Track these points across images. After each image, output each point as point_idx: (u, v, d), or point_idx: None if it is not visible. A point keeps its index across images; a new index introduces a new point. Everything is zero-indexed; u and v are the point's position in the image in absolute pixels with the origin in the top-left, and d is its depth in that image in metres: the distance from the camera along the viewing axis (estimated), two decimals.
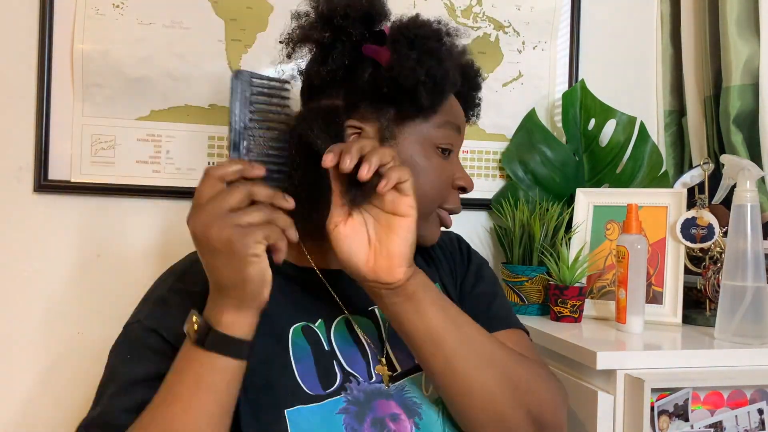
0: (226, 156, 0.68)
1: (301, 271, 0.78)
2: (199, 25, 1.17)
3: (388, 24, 0.78)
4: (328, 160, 0.64)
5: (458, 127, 0.81)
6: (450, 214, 0.82)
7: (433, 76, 0.72)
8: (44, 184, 1.14)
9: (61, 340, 1.16)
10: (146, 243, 1.19)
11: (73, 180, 1.15)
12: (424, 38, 0.73)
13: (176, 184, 1.18)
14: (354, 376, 0.73)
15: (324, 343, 0.75)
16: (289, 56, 0.80)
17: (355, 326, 0.78)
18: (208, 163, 1.19)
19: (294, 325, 0.74)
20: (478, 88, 0.89)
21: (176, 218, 1.20)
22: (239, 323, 0.62)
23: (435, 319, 0.68)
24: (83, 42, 1.14)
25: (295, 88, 0.78)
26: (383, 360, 0.76)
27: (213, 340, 0.61)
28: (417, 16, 0.76)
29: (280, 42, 0.80)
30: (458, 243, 0.93)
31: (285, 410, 0.68)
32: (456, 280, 0.89)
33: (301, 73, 0.82)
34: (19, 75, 1.14)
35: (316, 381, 0.71)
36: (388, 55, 0.73)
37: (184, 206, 1.20)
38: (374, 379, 0.74)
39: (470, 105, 0.89)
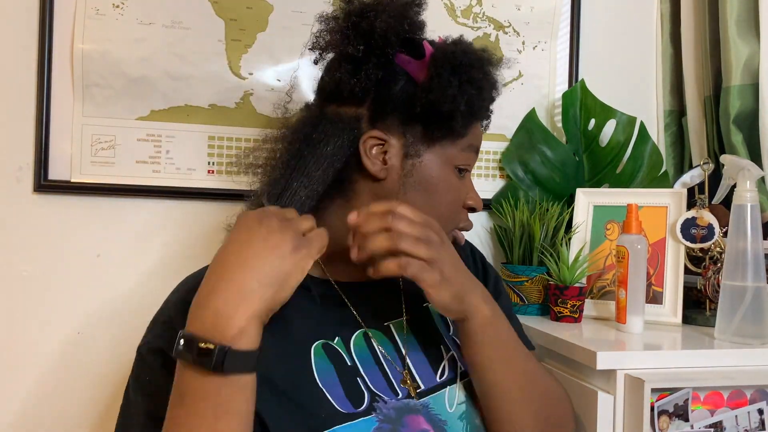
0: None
1: (314, 282, 0.76)
2: (199, 25, 1.17)
3: (423, 35, 0.77)
4: (353, 217, 0.68)
5: (478, 148, 0.81)
6: (461, 230, 0.83)
7: (471, 105, 0.73)
8: (44, 184, 1.14)
9: (61, 340, 1.16)
10: (146, 243, 1.19)
11: (73, 180, 1.15)
12: (468, 66, 0.72)
13: (176, 184, 1.18)
14: (379, 396, 0.72)
15: (346, 360, 0.73)
16: (316, 62, 0.80)
17: (374, 341, 0.76)
18: (208, 163, 1.19)
19: (314, 344, 0.72)
20: (493, 100, 0.87)
21: (176, 218, 1.20)
22: (256, 332, 0.61)
23: (482, 354, 0.73)
24: (83, 42, 1.14)
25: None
26: (406, 373, 0.76)
27: (234, 362, 0.59)
28: (461, 38, 0.76)
29: (309, 49, 0.79)
30: (471, 253, 0.94)
31: None
32: None
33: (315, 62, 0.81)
34: (19, 75, 1.14)
35: (345, 399, 0.70)
36: (426, 74, 0.73)
37: (183, 206, 1.20)
38: (400, 395, 0.73)
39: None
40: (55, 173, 1.15)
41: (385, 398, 0.72)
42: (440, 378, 0.77)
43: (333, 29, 0.76)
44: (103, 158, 1.16)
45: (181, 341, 0.60)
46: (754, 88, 1.22)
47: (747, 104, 1.23)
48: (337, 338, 0.74)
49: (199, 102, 1.18)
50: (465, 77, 0.72)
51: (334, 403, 0.69)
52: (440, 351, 0.80)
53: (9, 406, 1.14)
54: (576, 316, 1.10)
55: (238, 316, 0.59)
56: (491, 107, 0.81)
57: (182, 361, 0.61)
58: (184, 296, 0.68)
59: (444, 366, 0.79)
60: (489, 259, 1.35)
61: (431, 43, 0.76)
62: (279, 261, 0.61)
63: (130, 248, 1.18)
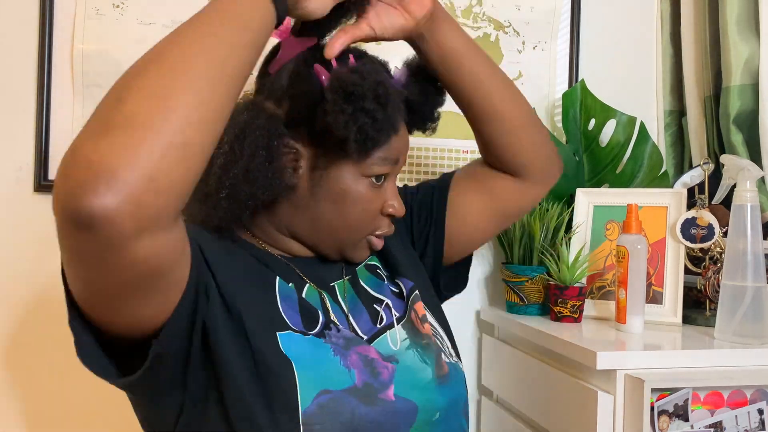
0: None
1: (265, 254, 0.79)
2: None
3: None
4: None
5: (396, 159, 0.79)
6: (381, 236, 0.82)
7: (365, 132, 0.71)
8: (44, 184, 1.14)
9: (61, 340, 1.16)
10: None
11: None
12: (361, 97, 0.69)
13: None
14: (335, 324, 0.75)
15: (304, 294, 0.77)
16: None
17: (324, 295, 0.79)
18: None
19: (278, 278, 0.76)
20: (437, 104, 0.86)
21: None
22: None
23: (464, 36, 0.84)
24: (83, 42, 1.14)
25: None
26: (350, 325, 0.79)
27: None
28: (365, 63, 0.74)
29: None
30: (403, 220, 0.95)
31: (276, 332, 0.70)
32: (409, 228, 0.94)
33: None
34: (19, 75, 1.14)
35: (299, 320, 0.73)
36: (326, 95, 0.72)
37: None
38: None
39: (426, 118, 0.86)
40: (55, 173, 1.14)
41: (340, 326, 0.76)
42: (379, 325, 0.80)
43: None
44: None
45: None
46: (754, 88, 1.22)
47: (747, 104, 1.23)
48: (291, 284, 0.77)
49: None
50: (358, 105, 0.70)
51: (287, 319, 0.72)
52: (374, 306, 0.83)
53: (10, 406, 1.14)
54: (576, 316, 1.10)
55: None
56: (397, 127, 0.77)
57: None
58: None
59: (381, 316, 0.82)
60: (489, 259, 1.35)
61: (336, 65, 0.74)
62: None
63: None
